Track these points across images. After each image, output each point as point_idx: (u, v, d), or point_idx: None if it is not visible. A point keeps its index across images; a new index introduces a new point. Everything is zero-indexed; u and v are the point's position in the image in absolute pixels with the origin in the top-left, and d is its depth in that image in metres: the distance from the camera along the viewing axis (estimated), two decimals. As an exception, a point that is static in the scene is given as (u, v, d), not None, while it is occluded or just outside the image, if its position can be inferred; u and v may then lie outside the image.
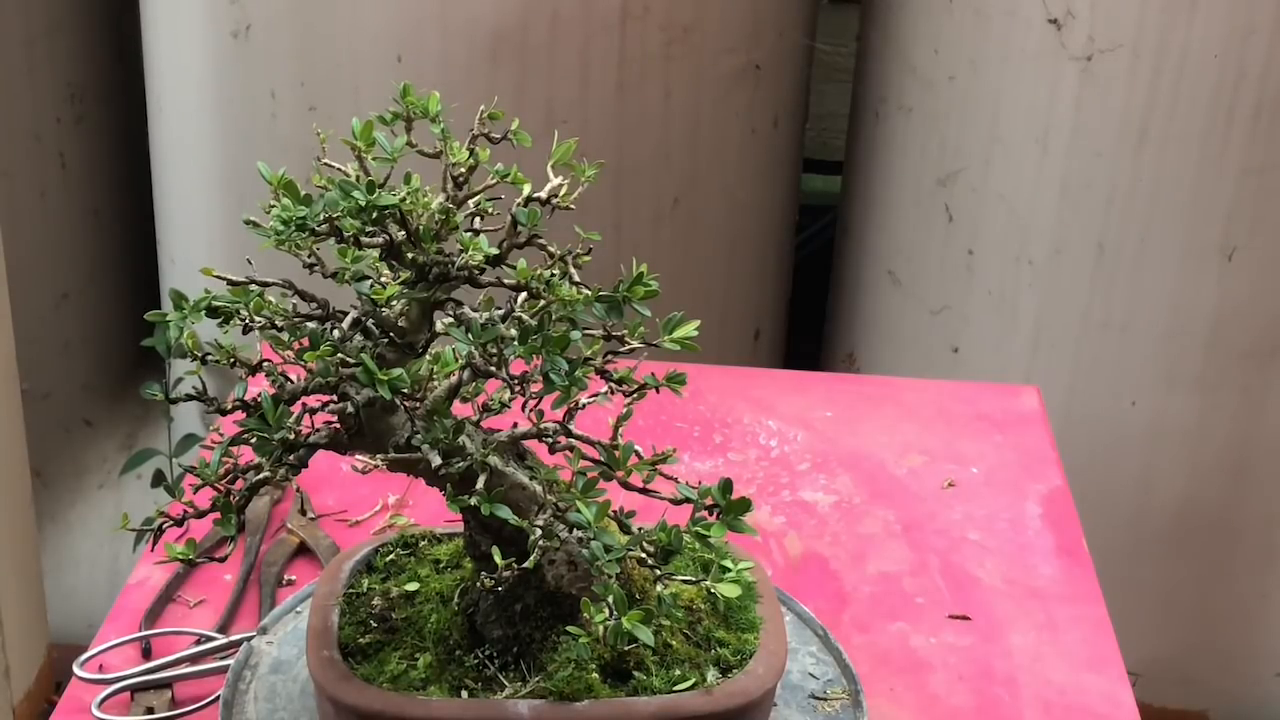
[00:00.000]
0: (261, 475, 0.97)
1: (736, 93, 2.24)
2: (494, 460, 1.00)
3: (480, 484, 0.98)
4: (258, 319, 0.98)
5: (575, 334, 0.98)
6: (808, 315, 2.80)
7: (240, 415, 0.98)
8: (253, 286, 0.99)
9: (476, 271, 1.00)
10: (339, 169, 1.01)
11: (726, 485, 1.01)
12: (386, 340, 1.00)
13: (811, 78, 2.51)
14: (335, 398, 0.99)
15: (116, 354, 2.74)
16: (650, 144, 2.18)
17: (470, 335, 0.98)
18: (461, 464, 0.98)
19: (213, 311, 0.98)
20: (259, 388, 0.99)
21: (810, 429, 1.63)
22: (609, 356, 1.02)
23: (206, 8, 2.14)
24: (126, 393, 2.73)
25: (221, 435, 0.99)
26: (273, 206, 0.98)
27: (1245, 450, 2.21)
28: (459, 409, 1.01)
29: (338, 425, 1.00)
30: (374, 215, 0.98)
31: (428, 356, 1.00)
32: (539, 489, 1.01)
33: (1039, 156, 2.12)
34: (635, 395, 1.02)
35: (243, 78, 2.15)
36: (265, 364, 0.99)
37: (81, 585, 2.60)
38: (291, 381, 0.99)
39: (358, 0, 2.06)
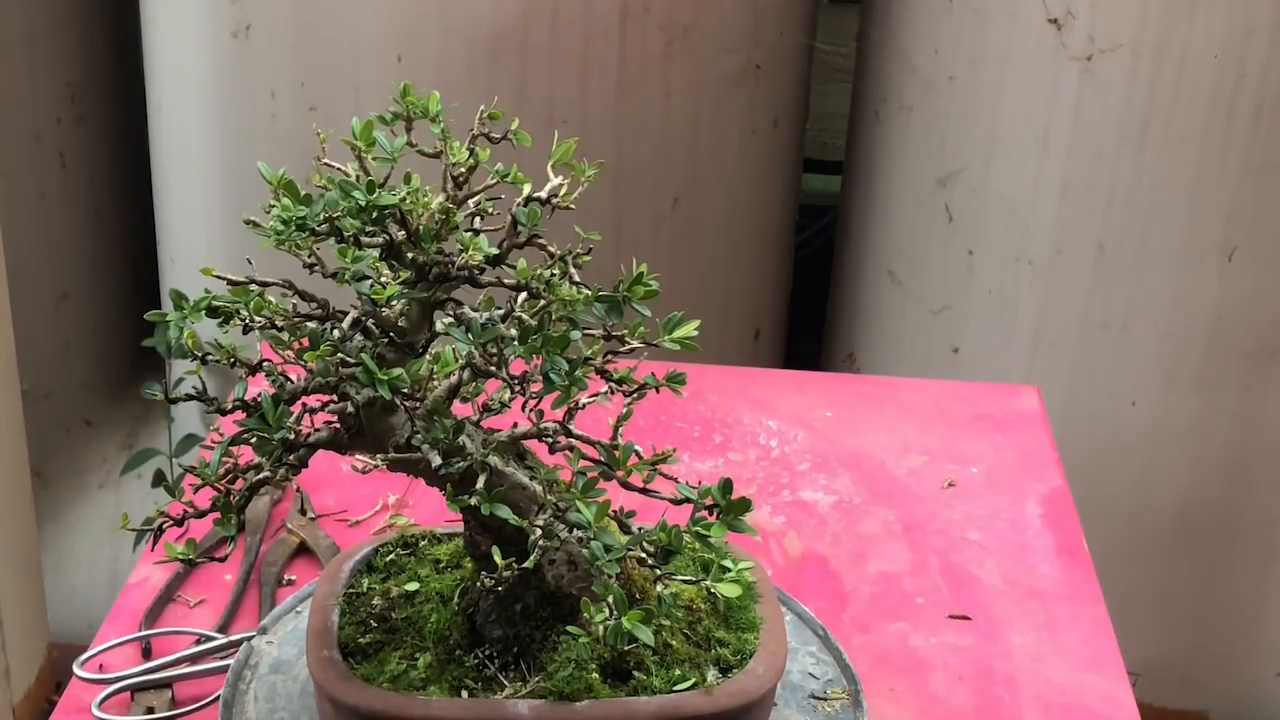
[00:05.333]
0: (261, 475, 0.97)
1: (736, 93, 2.24)
2: (494, 460, 1.00)
3: (480, 484, 0.98)
4: (258, 319, 0.98)
5: (575, 334, 0.98)
6: (808, 315, 2.80)
7: (240, 415, 0.98)
8: (253, 286, 0.99)
9: (476, 271, 1.00)
10: (339, 169, 1.01)
11: (726, 485, 1.01)
12: (386, 340, 1.00)
13: (811, 78, 2.51)
14: (335, 398, 0.99)
15: (116, 354, 2.74)
16: (650, 144, 2.18)
17: (470, 335, 0.98)
18: (461, 464, 0.98)
19: (213, 311, 0.98)
20: (259, 388, 0.99)
21: (810, 429, 1.63)
22: (609, 356, 1.01)
23: (206, 8, 2.14)
24: (126, 393, 2.72)
25: (221, 435, 0.99)
26: (273, 206, 0.98)
27: (1245, 450, 2.21)
28: (459, 409, 1.01)
29: (338, 425, 1.00)
30: (374, 215, 0.98)
31: (428, 356, 1.00)
32: (539, 489, 1.01)
33: (1039, 156, 2.12)
34: (635, 395, 1.02)
35: (243, 78, 2.15)
36: (265, 364, 0.99)
37: (81, 585, 2.60)
38: (291, 381, 0.99)
39: (358, 0, 2.05)
